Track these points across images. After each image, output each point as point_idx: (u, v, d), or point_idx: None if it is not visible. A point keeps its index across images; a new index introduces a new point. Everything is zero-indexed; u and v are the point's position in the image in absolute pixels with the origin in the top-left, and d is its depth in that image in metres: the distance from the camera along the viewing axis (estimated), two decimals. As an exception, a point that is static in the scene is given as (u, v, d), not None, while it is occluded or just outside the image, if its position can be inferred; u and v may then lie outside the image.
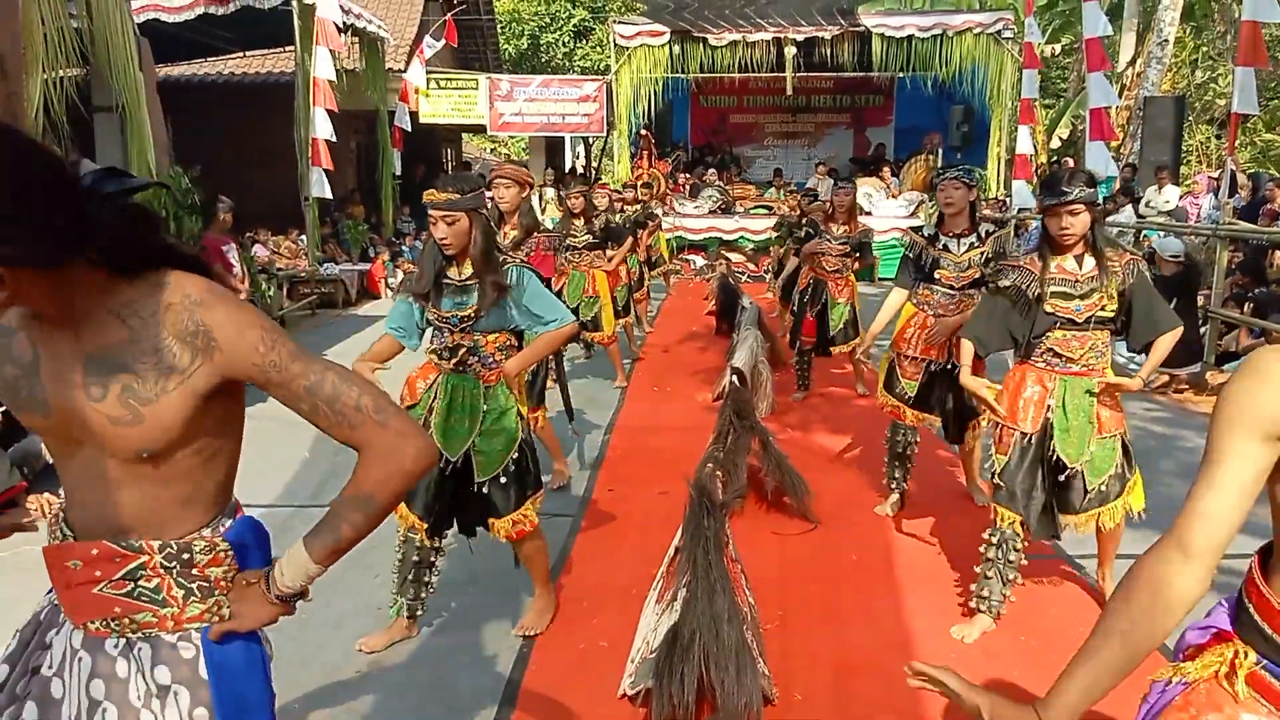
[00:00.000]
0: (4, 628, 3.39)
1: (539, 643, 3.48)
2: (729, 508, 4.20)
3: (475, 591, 3.86)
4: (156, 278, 1.41)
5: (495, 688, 3.17)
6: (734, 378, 5.85)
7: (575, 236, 7.31)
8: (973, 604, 3.60)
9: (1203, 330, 8.09)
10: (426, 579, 3.49)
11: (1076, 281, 3.43)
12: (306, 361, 1.44)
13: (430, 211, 3.18)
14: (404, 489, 1.45)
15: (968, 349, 3.67)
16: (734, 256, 15.31)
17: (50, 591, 1.57)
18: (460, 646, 3.47)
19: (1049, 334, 3.47)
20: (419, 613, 3.53)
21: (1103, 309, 3.41)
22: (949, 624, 3.61)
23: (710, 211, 15.84)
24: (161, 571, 1.45)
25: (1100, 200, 3.43)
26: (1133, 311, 3.42)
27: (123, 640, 1.46)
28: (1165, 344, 3.40)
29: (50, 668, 1.49)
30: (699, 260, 15.50)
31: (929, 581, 4.01)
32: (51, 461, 5.22)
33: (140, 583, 1.45)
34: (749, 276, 14.61)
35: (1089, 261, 3.43)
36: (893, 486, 4.82)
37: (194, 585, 1.48)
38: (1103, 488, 3.46)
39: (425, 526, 3.35)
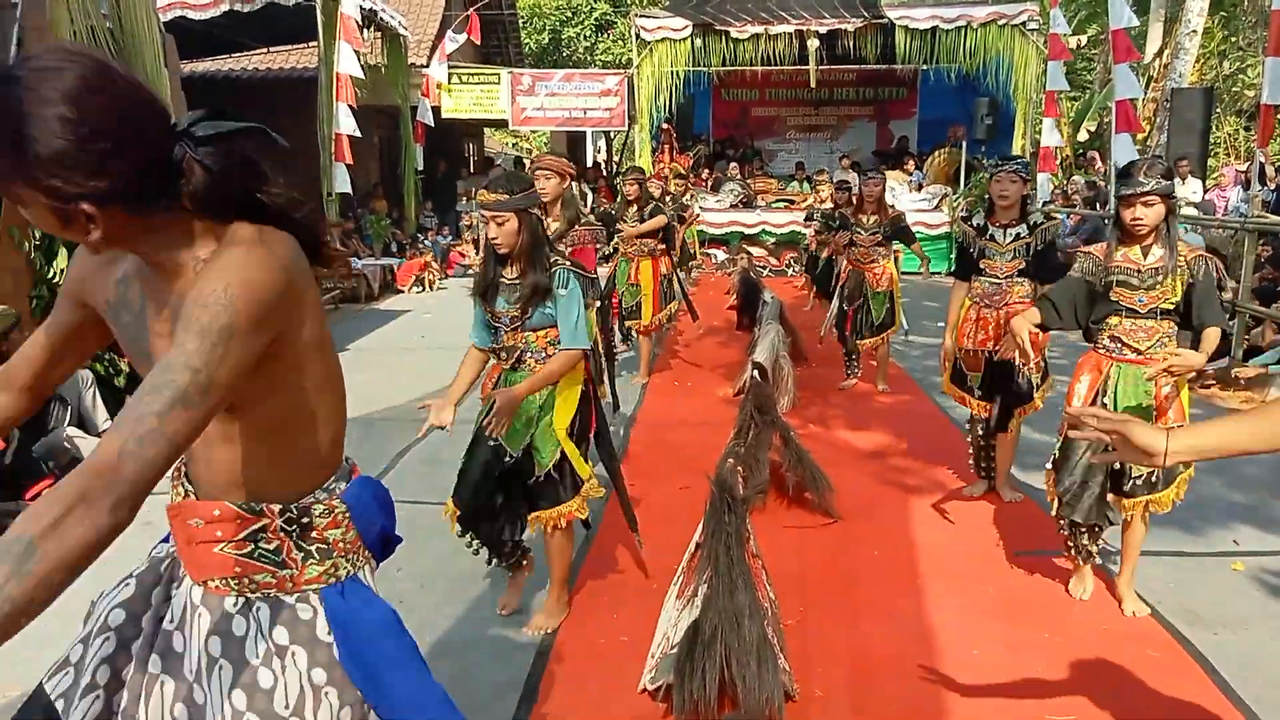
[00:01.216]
0: (35, 621, 3.42)
1: (559, 637, 3.48)
2: (750, 503, 4.19)
3: (497, 587, 3.87)
4: (238, 228, 1.36)
5: (516, 681, 3.18)
6: (755, 372, 5.84)
7: (626, 222, 7.34)
8: (1076, 557, 3.75)
9: (1230, 325, 8.00)
10: (507, 548, 3.56)
11: (1140, 272, 3.45)
12: (200, 349, 1.20)
13: (482, 212, 3.22)
14: (69, 551, 1.06)
15: (1033, 312, 3.71)
16: (755, 251, 15.27)
17: (166, 540, 1.58)
18: (482, 640, 3.48)
19: (1109, 320, 3.53)
20: (523, 564, 3.67)
21: (1166, 301, 3.43)
22: (973, 620, 3.59)
23: (732, 205, 15.81)
24: (282, 534, 1.46)
25: (1175, 193, 3.44)
26: (1190, 305, 3.44)
27: (241, 599, 1.47)
28: (1208, 338, 3.40)
29: (172, 621, 1.50)
30: (720, 255, 15.46)
31: (952, 578, 3.99)
32: (76, 455, 5.29)
33: (261, 544, 1.46)
34: (771, 271, 14.57)
35: (1156, 252, 3.45)
36: (980, 474, 4.92)
37: (313, 548, 1.49)
38: (1152, 476, 3.47)
39: (458, 513, 3.37)
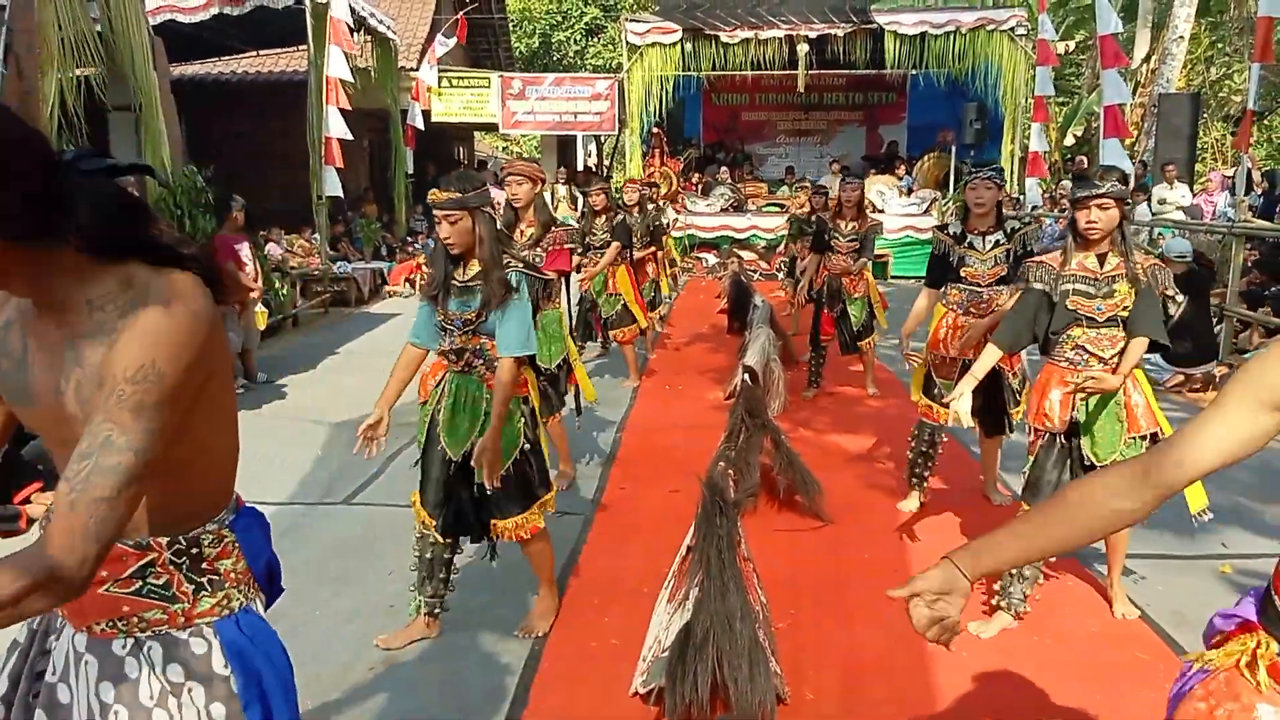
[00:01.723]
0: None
1: (550, 641, 3.48)
2: (741, 506, 4.20)
3: (488, 590, 3.87)
4: (133, 270, 1.33)
5: (507, 685, 3.18)
6: (746, 376, 5.84)
7: (595, 235, 7.32)
8: (995, 601, 3.60)
9: (1217, 329, 8.04)
10: (444, 576, 3.48)
11: (1097, 280, 3.42)
12: (135, 428, 1.23)
13: (435, 211, 3.16)
14: (35, 611, 1.21)
15: (990, 352, 3.66)
16: (746, 254, 15.29)
17: None
18: (472, 644, 3.48)
19: (1070, 331, 3.47)
20: (437, 612, 3.50)
21: (1124, 309, 3.40)
22: (962, 623, 3.59)
23: (722, 210, 15.82)
24: (171, 568, 1.44)
25: (1129, 198, 3.42)
26: (1131, 310, 3.40)
27: (131, 640, 1.44)
28: (1134, 350, 3.37)
29: (54, 673, 1.46)
30: (710, 258, 15.48)
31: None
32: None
33: (149, 580, 1.43)
34: (761, 275, 14.59)
35: (1112, 260, 3.42)
36: (913, 484, 4.84)
37: (204, 579, 1.46)
38: None
39: (435, 523, 3.36)
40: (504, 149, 30.24)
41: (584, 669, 3.28)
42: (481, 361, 3.30)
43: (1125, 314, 3.40)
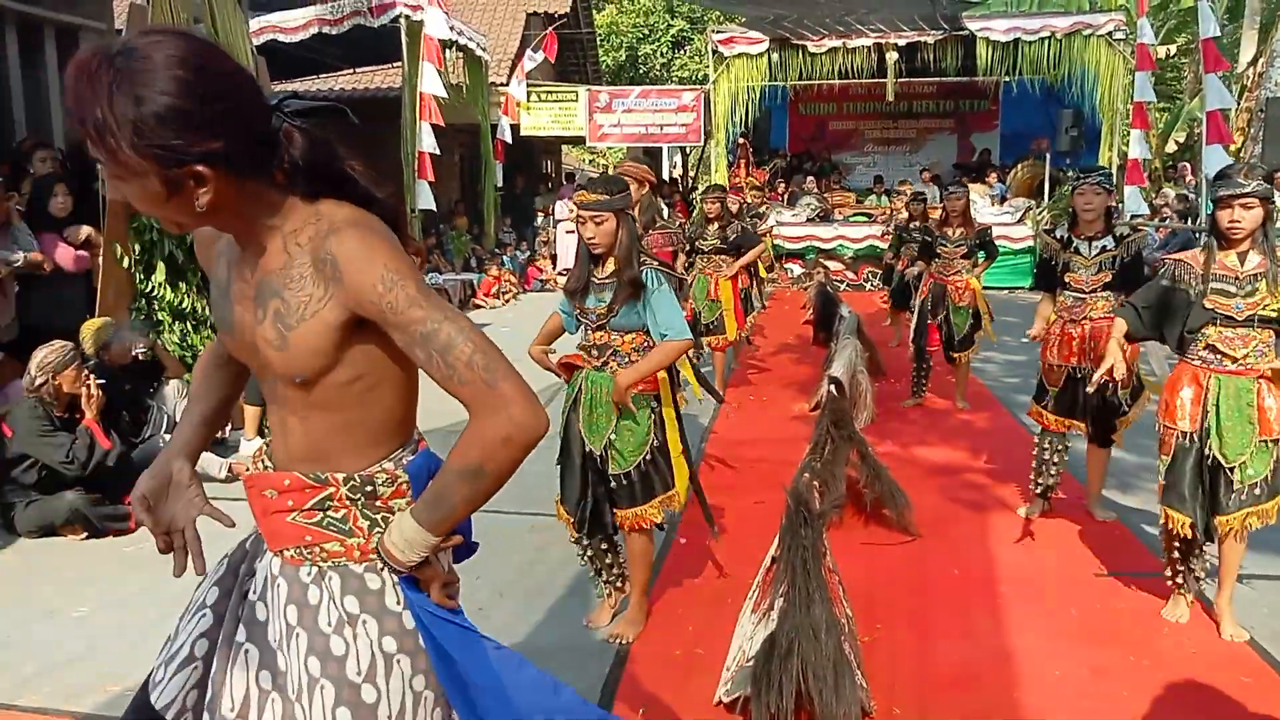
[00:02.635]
0: (133, 618, 3.58)
1: (636, 647, 3.51)
2: (826, 518, 4.17)
3: (579, 593, 3.92)
4: (322, 206, 1.44)
5: (593, 689, 3.21)
6: (832, 387, 5.80)
7: (705, 240, 7.38)
8: (1173, 583, 3.68)
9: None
10: (610, 561, 3.69)
11: (1238, 279, 3.37)
12: (427, 308, 1.37)
13: (580, 212, 3.34)
14: (512, 460, 1.37)
15: (1119, 324, 3.66)
16: (832, 265, 15.15)
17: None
18: (560, 647, 3.53)
19: (1205, 330, 3.43)
20: (620, 584, 3.73)
21: (1265, 308, 3.33)
22: (1055, 642, 3.52)
23: (808, 220, 15.71)
24: (347, 502, 1.50)
25: (1274, 197, 3.36)
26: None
27: (315, 569, 1.51)
28: None
29: (255, 592, 1.57)
30: (796, 269, 15.38)
31: (1035, 598, 3.91)
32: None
33: (329, 512, 1.50)
34: (847, 285, 14.45)
35: (1253, 258, 3.37)
36: (1037, 492, 4.79)
37: (378, 516, 1.52)
38: (1254, 489, 3.38)
39: (573, 520, 3.52)
40: (590, 161, 30.53)
41: (668, 676, 3.30)
42: (616, 360, 3.44)
43: (1265, 313, 3.34)
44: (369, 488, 1.51)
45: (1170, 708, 3.08)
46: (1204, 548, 3.56)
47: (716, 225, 7.39)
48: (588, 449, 3.47)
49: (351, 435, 1.50)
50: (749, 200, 8.94)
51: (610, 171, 20.33)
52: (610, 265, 3.40)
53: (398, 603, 1.51)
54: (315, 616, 1.49)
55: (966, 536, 4.60)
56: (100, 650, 3.46)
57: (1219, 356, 3.42)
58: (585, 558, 3.68)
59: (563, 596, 3.93)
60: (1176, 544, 3.55)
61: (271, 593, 1.54)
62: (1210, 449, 3.43)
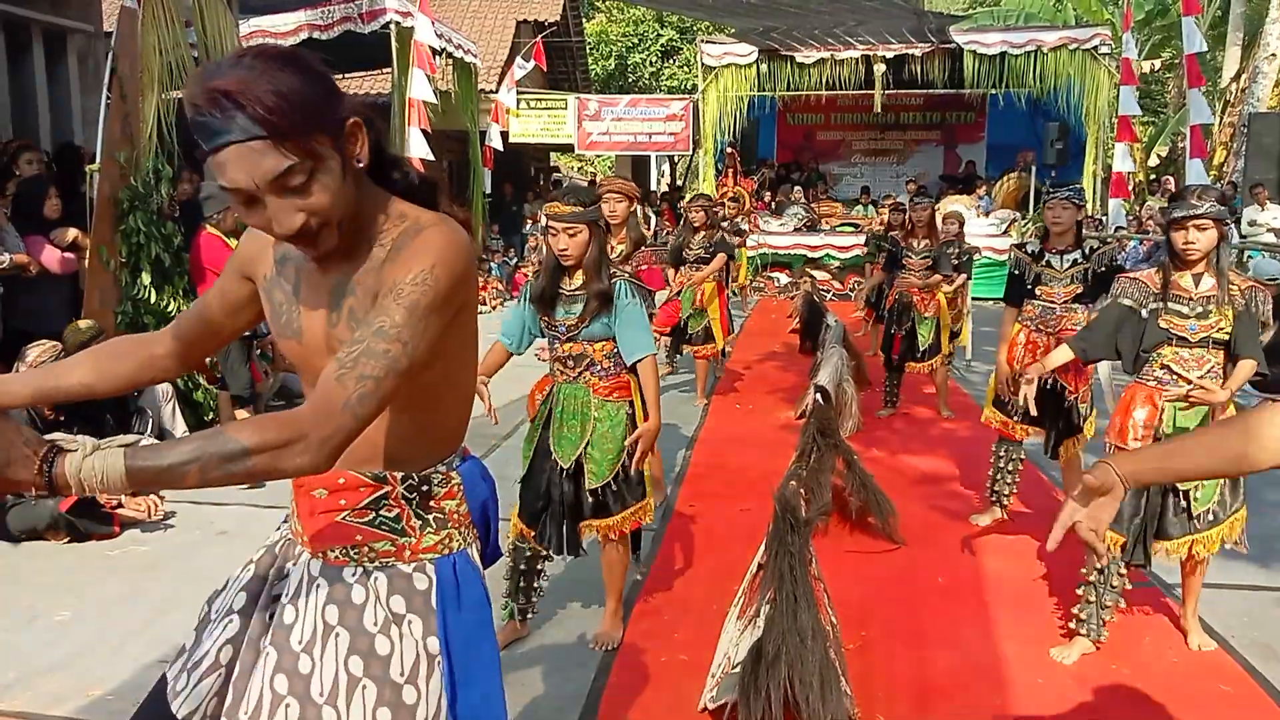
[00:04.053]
0: (115, 624, 3.57)
1: (620, 654, 3.51)
2: (812, 525, 4.18)
3: (560, 601, 3.92)
4: (403, 207, 1.47)
5: (577, 696, 3.21)
6: (818, 396, 5.82)
7: (691, 249, 7.37)
8: (1072, 625, 3.53)
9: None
10: (535, 584, 3.59)
11: (1192, 300, 3.37)
12: (406, 322, 1.32)
13: (551, 223, 3.27)
14: (269, 468, 1.24)
15: (1062, 351, 3.68)
16: (819, 274, 15.20)
17: (281, 526, 1.66)
18: (543, 655, 3.52)
19: (1160, 350, 3.42)
20: (529, 615, 3.63)
21: (1219, 330, 3.34)
22: (1039, 649, 3.53)
23: (795, 229, 15.77)
24: (402, 502, 1.52)
25: (1228, 219, 3.37)
26: (1232, 333, 3.35)
27: (360, 569, 1.52)
28: (1242, 370, 3.34)
29: (287, 594, 1.55)
30: (783, 278, 15.42)
31: (1019, 605, 3.93)
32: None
33: (382, 512, 1.51)
34: (834, 295, 14.50)
35: (1207, 280, 3.37)
36: (993, 500, 4.83)
37: (430, 516, 1.54)
38: (1209, 515, 3.36)
39: (534, 533, 3.45)
40: (578, 169, 30.55)
41: (653, 683, 3.30)
42: (590, 370, 3.40)
43: (1219, 335, 3.35)
44: (425, 488, 1.53)
45: (1152, 714, 3.10)
46: (1122, 573, 3.45)
47: (703, 234, 7.39)
48: (558, 465, 3.41)
49: (414, 436, 1.52)
50: (727, 213, 8.85)
51: (600, 179, 20.36)
52: (580, 277, 3.34)
53: (438, 601, 1.52)
54: (360, 616, 1.49)
55: (952, 544, 4.62)
56: (82, 655, 3.44)
57: (1175, 377, 3.40)
58: (513, 570, 3.53)
59: (549, 602, 3.92)
60: (1096, 569, 3.45)
61: (308, 594, 1.52)
62: None
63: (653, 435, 3.42)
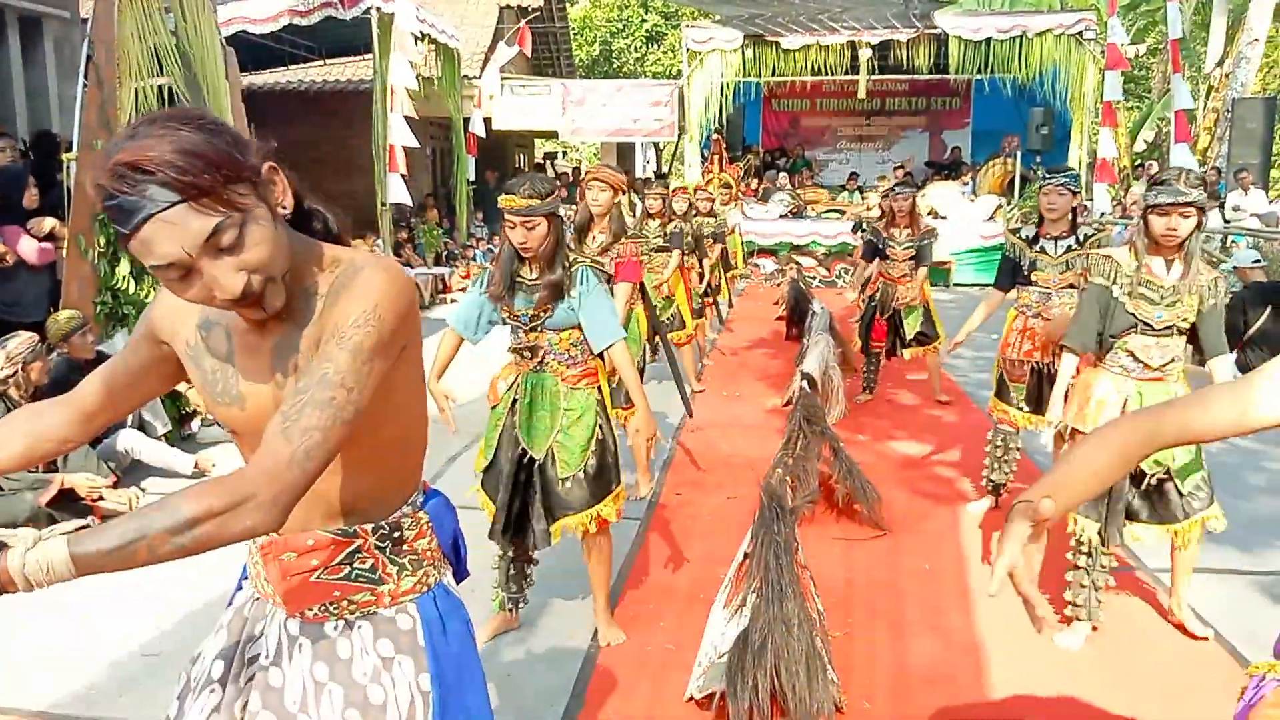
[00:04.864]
0: (91, 620, 3.52)
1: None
2: (799, 513, 4.18)
3: (545, 591, 3.90)
4: (333, 250, 1.42)
5: (562, 687, 3.20)
6: (804, 383, 5.82)
7: (647, 239, 7.30)
8: (1068, 612, 3.54)
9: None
10: (526, 571, 3.57)
11: (1162, 288, 3.34)
12: (350, 367, 1.27)
13: (508, 217, 3.16)
14: (222, 534, 1.18)
15: (1068, 360, 3.61)
16: (805, 261, 15.20)
17: (240, 584, 1.62)
18: (528, 646, 3.51)
19: (1124, 336, 3.39)
20: (521, 605, 3.61)
21: (1183, 320, 3.33)
22: (1023, 636, 3.53)
23: (781, 216, 15.75)
24: (376, 552, 1.49)
25: (1206, 207, 3.35)
26: (1201, 329, 3.34)
27: (341, 622, 1.49)
28: (1221, 370, 3.33)
29: (267, 657, 1.51)
30: (769, 265, 15.41)
31: (1005, 593, 3.92)
32: (137, 458, 5.43)
33: (356, 565, 1.48)
34: (820, 281, 14.50)
35: (1177, 268, 3.33)
36: (987, 488, 4.85)
37: (405, 560, 1.52)
38: (1194, 497, 3.36)
39: (501, 521, 3.35)
40: (563, 155, 30.46)
41: (639, 672, 3.29)
42: (555, 358, 3.35)
43: (1184, 324, 3.33)
44: (396, 533, 1.51)
45: (1140, 701, 3.11)
46: (1103, 562, 3.46)
47: (657, 222, 7.29)
48: (525, 456, 3.34)
49: (377, 487, 1.49)
50: (697, 206, 8.72)
51: (582, 171, 20.25)
52: (538, 267, 3.25)
53: (426, 638, 1.51)
54: (350, 670, 1.47)
55: (937, 531, 4.63)
56: (54, 650, 3.41)
57: (1138, 364, 3.39)
58: (502, 558, 3.51)
59: (534, 594, 3.91)
60: (1083, 553, 3.46)
61: (290, 654, 1.49)
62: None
63: (649, 427, 3.37)
